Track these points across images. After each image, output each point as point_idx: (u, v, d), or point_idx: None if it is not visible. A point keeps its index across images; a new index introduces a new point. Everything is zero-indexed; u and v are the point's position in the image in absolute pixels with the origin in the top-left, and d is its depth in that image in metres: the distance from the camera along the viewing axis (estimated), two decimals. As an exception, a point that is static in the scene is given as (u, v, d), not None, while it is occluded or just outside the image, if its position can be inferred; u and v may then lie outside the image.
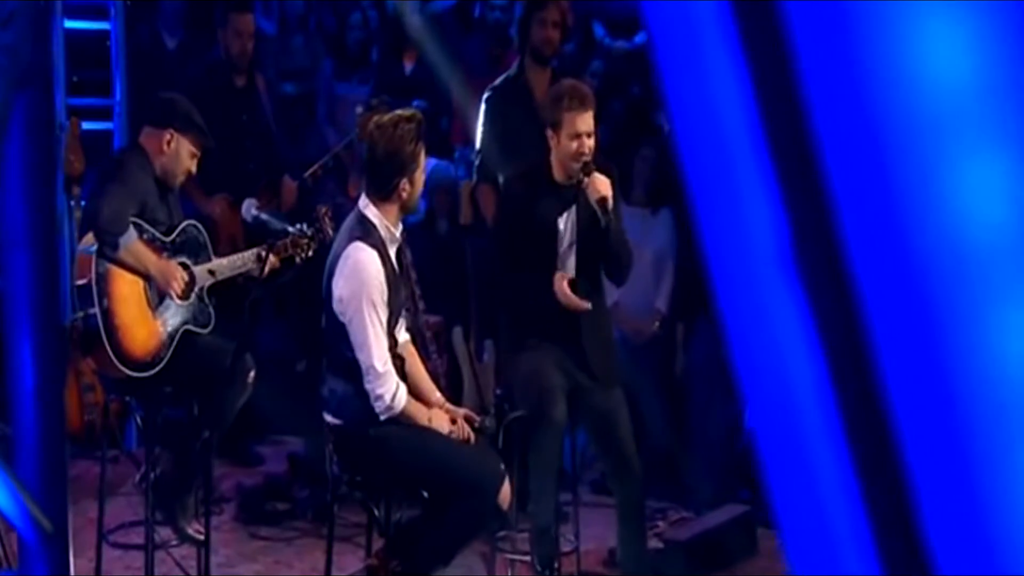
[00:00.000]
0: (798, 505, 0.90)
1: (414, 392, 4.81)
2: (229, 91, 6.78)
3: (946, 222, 0.80)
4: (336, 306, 4.58)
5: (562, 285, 5.07)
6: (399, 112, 4.70)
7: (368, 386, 4.59)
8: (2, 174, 2.51)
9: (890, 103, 0.81)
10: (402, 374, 4.75)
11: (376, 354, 4.56)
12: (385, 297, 4.57)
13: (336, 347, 4.63)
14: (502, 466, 4.73)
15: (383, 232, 4.64)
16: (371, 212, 4.64)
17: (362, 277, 4.55)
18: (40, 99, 2.53)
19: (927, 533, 0.88)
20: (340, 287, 4.58)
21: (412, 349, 4.96)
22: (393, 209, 4.65)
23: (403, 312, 4.86)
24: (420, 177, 4.68)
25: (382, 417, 4.61)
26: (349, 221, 4.73)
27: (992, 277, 0.80)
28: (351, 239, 4.61)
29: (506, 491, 4.66)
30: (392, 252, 4.70)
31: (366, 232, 4.61)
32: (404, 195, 4.63)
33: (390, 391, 4.59)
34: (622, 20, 8.18)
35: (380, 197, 4.64)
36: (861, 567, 0.90)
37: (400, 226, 4.73)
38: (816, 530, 0.89)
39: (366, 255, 4.56)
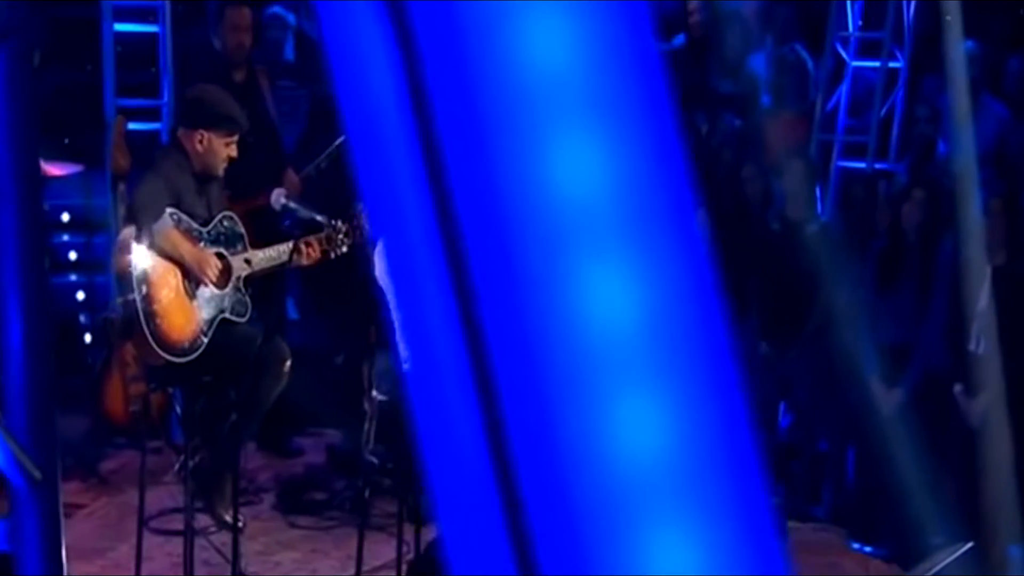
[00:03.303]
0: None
1: None
2: (228, 87, 6.22)
3: (538, 195, 0.92)
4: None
5: None
6: None
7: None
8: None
9: (491, 86, 0.93)
10: None
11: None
12: None
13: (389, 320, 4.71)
14: None
15: None
16: None
17: None
18: (19, 52, 2.62)
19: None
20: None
21: None
22: None
23: None
24: None
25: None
26: None
27: (579, 243, 0.92)
28: None
29: None
30: None
31: None
32: None
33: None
34: (658, 23, 8.18)
35: None
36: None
37: None
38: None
39: None
